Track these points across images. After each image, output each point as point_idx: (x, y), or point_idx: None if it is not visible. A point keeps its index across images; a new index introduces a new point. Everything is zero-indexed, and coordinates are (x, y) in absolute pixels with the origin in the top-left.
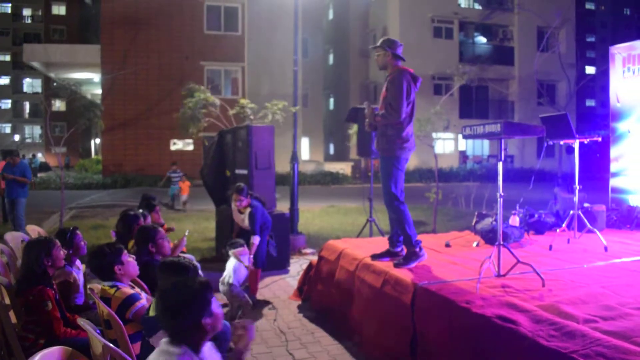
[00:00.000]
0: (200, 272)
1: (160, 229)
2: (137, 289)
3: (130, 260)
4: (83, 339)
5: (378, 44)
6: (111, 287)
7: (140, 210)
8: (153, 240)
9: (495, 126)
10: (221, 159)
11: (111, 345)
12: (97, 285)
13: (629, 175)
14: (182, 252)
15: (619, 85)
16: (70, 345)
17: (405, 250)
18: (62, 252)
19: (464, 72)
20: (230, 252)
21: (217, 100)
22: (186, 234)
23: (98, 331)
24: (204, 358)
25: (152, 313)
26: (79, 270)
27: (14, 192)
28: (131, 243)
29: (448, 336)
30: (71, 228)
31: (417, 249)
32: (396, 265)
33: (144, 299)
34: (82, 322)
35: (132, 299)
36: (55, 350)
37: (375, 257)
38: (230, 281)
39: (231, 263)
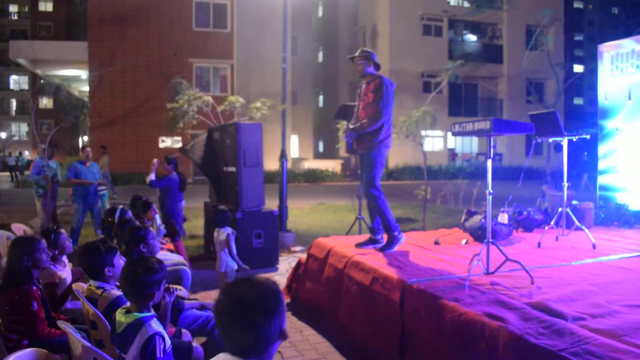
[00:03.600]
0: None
1: (152, 229)
2: None
3: (121, 263)
4: (67, 339)
5: (358, 54)
6: (97, 287)
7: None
8: (144, 241)
9: (484, 123)
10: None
11: (91, 346)
12: (82, 285)
13: (617, 172)
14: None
15: (607, 84)
16: (54, 346)
17: (385, 238)
18: (46, 255)
19: (447, 68)
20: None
21: (210, 99)
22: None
23: (78, 334)
24: None
25: (122, 319)
26: (64, 268)
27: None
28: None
29: (437, 334)
30: (55, 227)
31: (396, 233)
32: (381, 250)
33: None
34: (62, 324)
35: (120, 301)
36: (28, 352)
37: (359, 245)
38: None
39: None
